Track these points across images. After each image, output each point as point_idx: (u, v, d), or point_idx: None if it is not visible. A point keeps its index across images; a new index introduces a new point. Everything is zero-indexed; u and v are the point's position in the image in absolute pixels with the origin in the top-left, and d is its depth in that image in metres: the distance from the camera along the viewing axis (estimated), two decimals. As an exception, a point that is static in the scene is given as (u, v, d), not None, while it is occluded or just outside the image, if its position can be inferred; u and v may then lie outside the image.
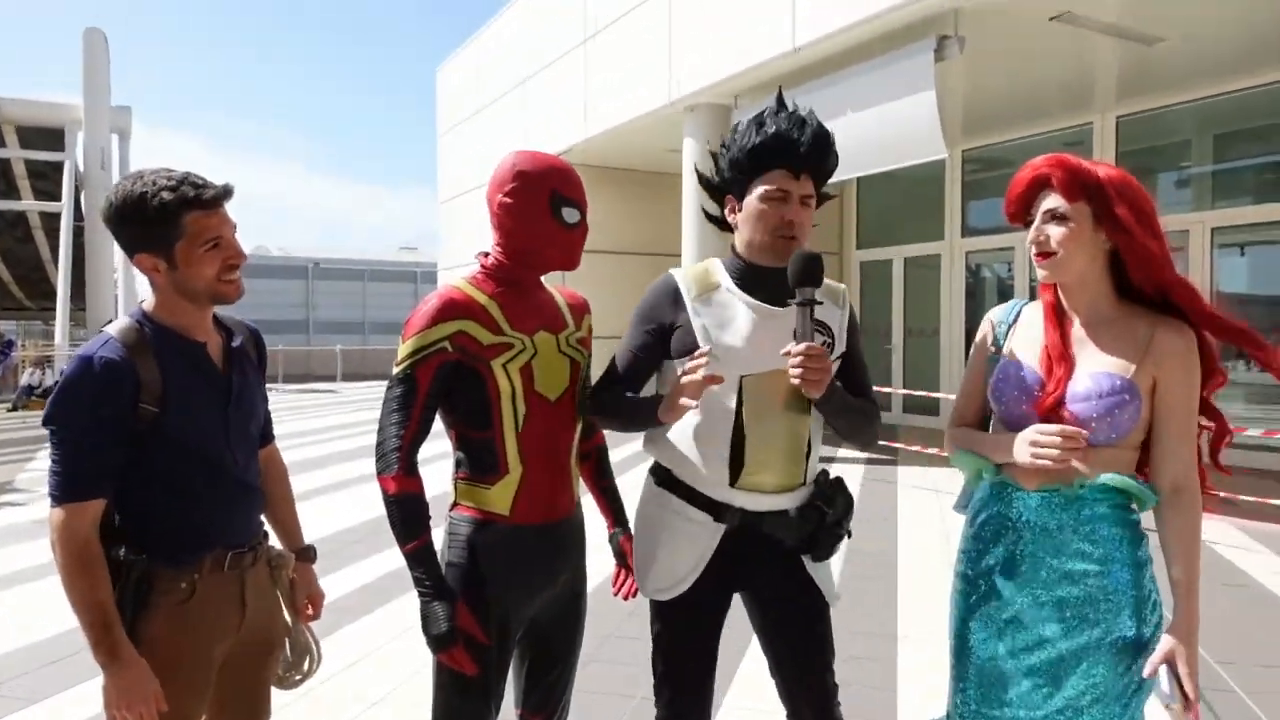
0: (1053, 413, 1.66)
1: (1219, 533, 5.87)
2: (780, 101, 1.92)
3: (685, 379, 1.70)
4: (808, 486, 1.92)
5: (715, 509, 1.87)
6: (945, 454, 1.92)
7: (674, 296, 1.90)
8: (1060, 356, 1.68)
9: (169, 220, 1.61)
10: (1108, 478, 1.63)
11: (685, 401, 1.71)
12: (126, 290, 22.91)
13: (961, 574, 1.83)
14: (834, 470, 2.00)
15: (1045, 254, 1.68)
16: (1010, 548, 1.73)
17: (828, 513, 1.87)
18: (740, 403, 1.84)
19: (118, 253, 20.85)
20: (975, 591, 1.78)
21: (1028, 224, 1.73)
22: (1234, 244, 8.91)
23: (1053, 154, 1.71)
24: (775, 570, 1.91)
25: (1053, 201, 1.67)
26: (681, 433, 1.89)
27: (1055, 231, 1.67)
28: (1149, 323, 1.66)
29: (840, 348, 1.93)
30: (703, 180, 2.02)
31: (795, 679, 1.92)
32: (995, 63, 7.94)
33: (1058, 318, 1.74)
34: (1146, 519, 1.70)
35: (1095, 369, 1.65)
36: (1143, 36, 7.14)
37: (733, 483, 1.85)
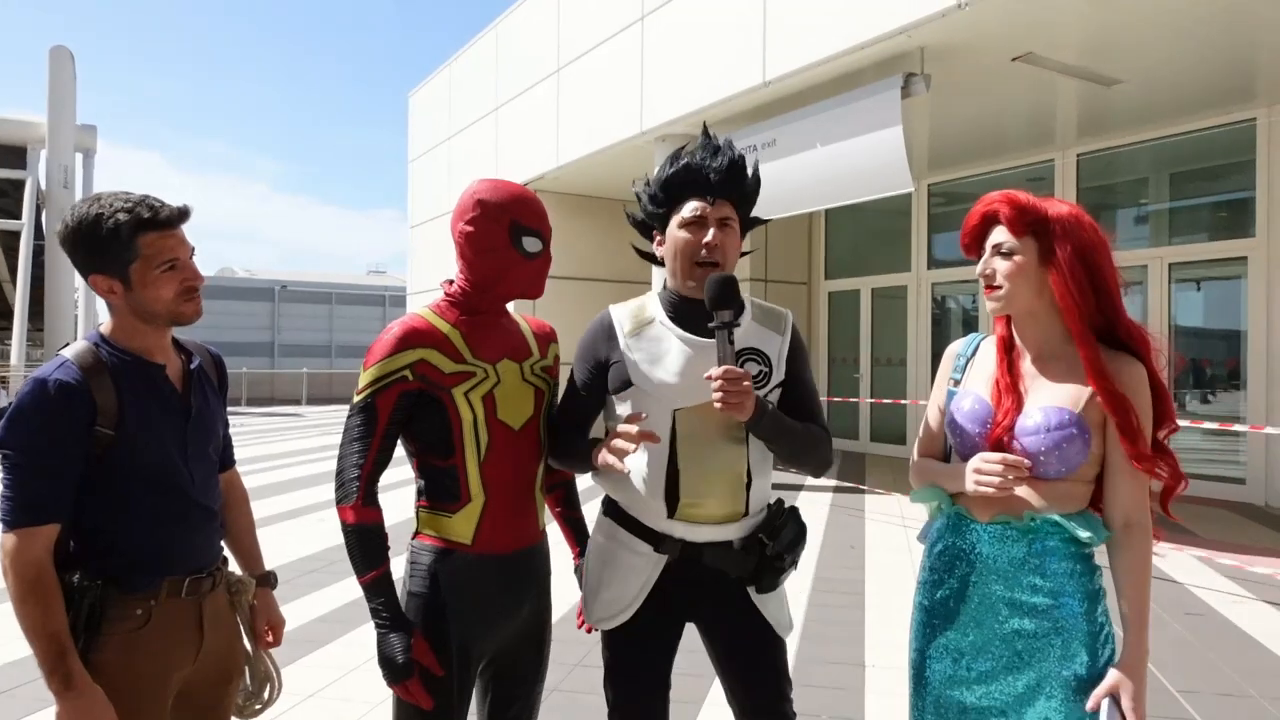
0: (1002, 444, 1.68)
1: (1177, 562, 5.96)
2: (705, 134, 1.99)
3: (615, 442, 1.73)
4: (753, 516, 1.91)
5: (655, 539, 1.88)
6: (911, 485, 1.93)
7: (609, 333, 1.93)
8: (1008, 388, 1.71)
9: (123, 242, 1.60)
10: (1056, 518, 1.65)
11: (610, 460, 1.73)
12: (87, 311, 22.50)
13: (919, 604, 1.84)
14: (800, 499, 2.02)
15: (991, 287, 1.73)
16: (964, 579, 1.74)
17: (768, 545, 1.86)
18: (675, 436, 1.84)
19: (78, 274, 20.49)
20: (932, 622, 1.79)
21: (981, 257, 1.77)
22: (1190, 279, 9.14)
23: (1006, 190, 1.74)
24: (722, 601, 1.91)
25: (1000, 236, 1.72)
26: (616, 474, 1.88)
27: (1000, 265, 1.71)
28: (1105, 357, 1.67)
29: (779, 375, 1.93)
30: (631, 220, 2.06)
31: (747, 708, 1.92)
32: (960, 100, 8.12)
33: (1008, 350, 1.77)
34: (1100, 551, 1.71)
35: (1045, 402, 1.67)
36: (1102, 78, 7.35)
37: (670, 514, 1.86)
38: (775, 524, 1.89)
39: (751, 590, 1.90)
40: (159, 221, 1.63)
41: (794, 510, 1.94)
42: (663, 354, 1.87)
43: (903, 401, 10.80)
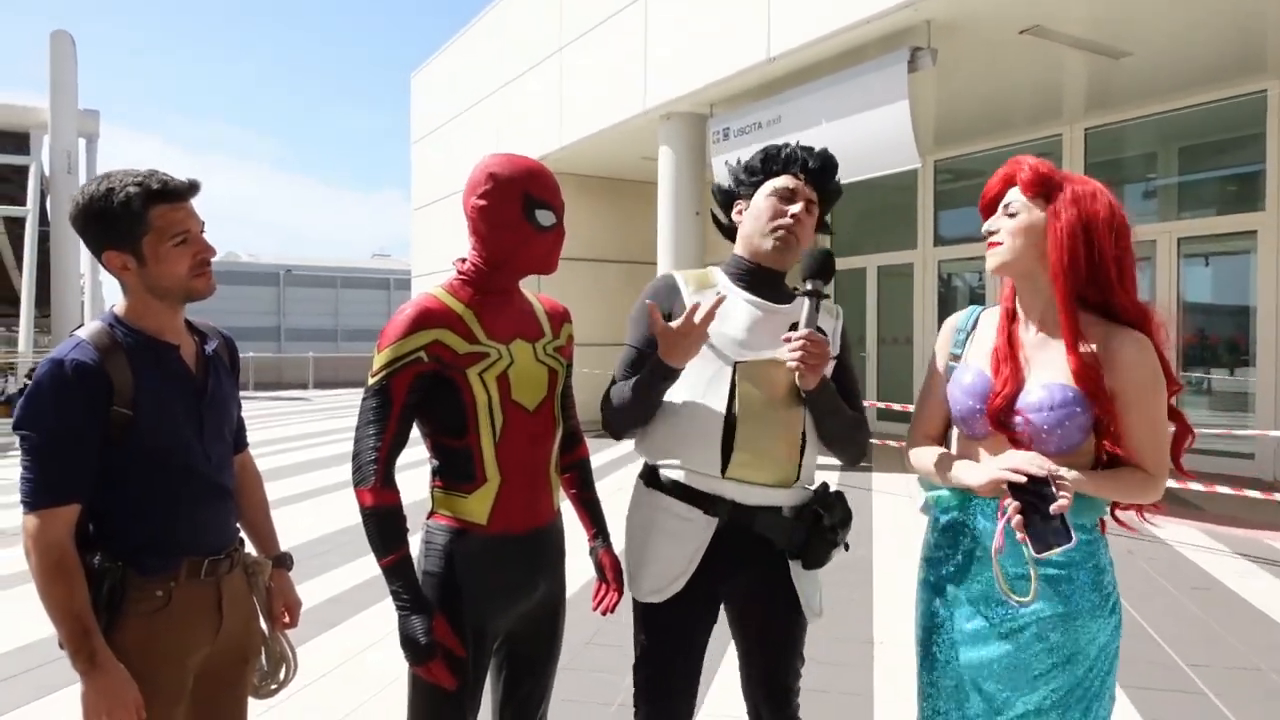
0: (1001, 414, 1.67)
1: (1184, 536, 5.97)
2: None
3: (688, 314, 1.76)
4: (803, 489, 1.94)
5: (705, 502, 1.88)
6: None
7: (672, 289, 1.97)
8: (1007, 357, 1.70)
9: (135, 215, 1.60)
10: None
11: (682, 326, 1.75)
12: (93, 297, 22.52)
13: (924, 580, 1.83)
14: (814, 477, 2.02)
15: (992, 243, 1.74)
16: (969, 554, 1.74)
17: (824, 515, 1.89)
18: (734, 389, 1.87)
19: (84, 259, 20.50)
20: (937, 597, 1.79)
21: None
22: (1199, 254, 9.09)
23: (1024, 155, 1.76)
24: (762, 575, 1.92)
25: (1011, 196, 1.73)
26: (673, 423, 1.91)
27: (1006, 223, 1.72)
28: (1104, 332, 1.66)
29: (834, 353, 1.97)
30: (716, 189, 2.11)
31: (760, 678, 1.96)
32: (967, 74, 8.04)
33: (1010, 321, 1.76)
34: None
35: (1049, 379, 1.66)
36: (1110, 50, 7.27)
37: (723, 471, 1.86)
38: (828, 499, 1.93)
39: (794, 565, 1.92)
40: (169, 193, 1.64)
41: (841, 493, 1.97)
42: (728, 312, 1.91)
43: (908, 408, 10.75)
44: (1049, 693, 1.63)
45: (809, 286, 1.84)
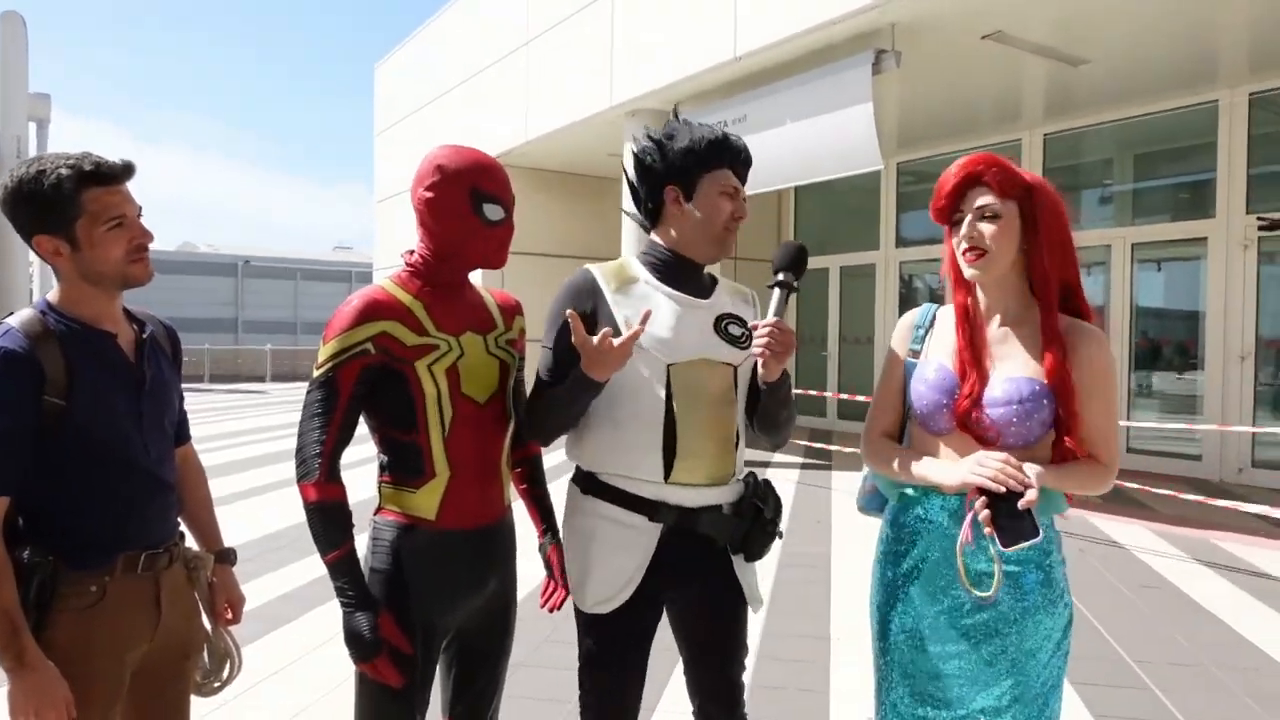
0: (969, 414, 1.67)
1: (1133, 536, 6.09)
2: (679, 118, 2.03)
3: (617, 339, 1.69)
4: (737, 484, 1.93)
5: (649, 508, 1.84)
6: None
7: (592, 288, 1.88)
8: (972, 360, 1.70)
9: (66, 198, 1.55)
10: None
11: (620, 339, 1.68)
12: (43, 289, 21.94)
13: (880, 576, 1.83)
14: (769, 474, 2.01)
15: (979, 252, 1.67)
16: (927, 550, 1.74)
17: (763, 509, 1.88)
18: (670, 392, 1.83)
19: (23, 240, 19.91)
20: (894, 592, 1.79)
21: (954, 223, 1.72)
22: (1152, 259, 9.28)
23: (983, 153, 1.71)
24: (706, 571, 1.91)
25: (986, 199, 1.67)
26: (610, 431, 1.86)
27: (988, 229, 1.66)
28: (1066, 326, 1.68)
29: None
30: (642, 165, 1.96)
31: (706, 674, 1.95)
32: (930, 78, 8.13)
33: (970, 320, 1.75)
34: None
35: (1013, 372, 1.67)
36: (1069, 58, 7.40)
37: (666, 476, 1.83)
38: (763, 491, 1.92)
39: (736, 560, 1.91)
40: (103, 175, 1.58)
41: (769, 482, 1.97)
42: (652, 311, 1.84)
43: (863, 398, 10.87)
44: (1007, 688, 1.65)
45: (781, 278, 1.81)
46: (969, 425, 1.67)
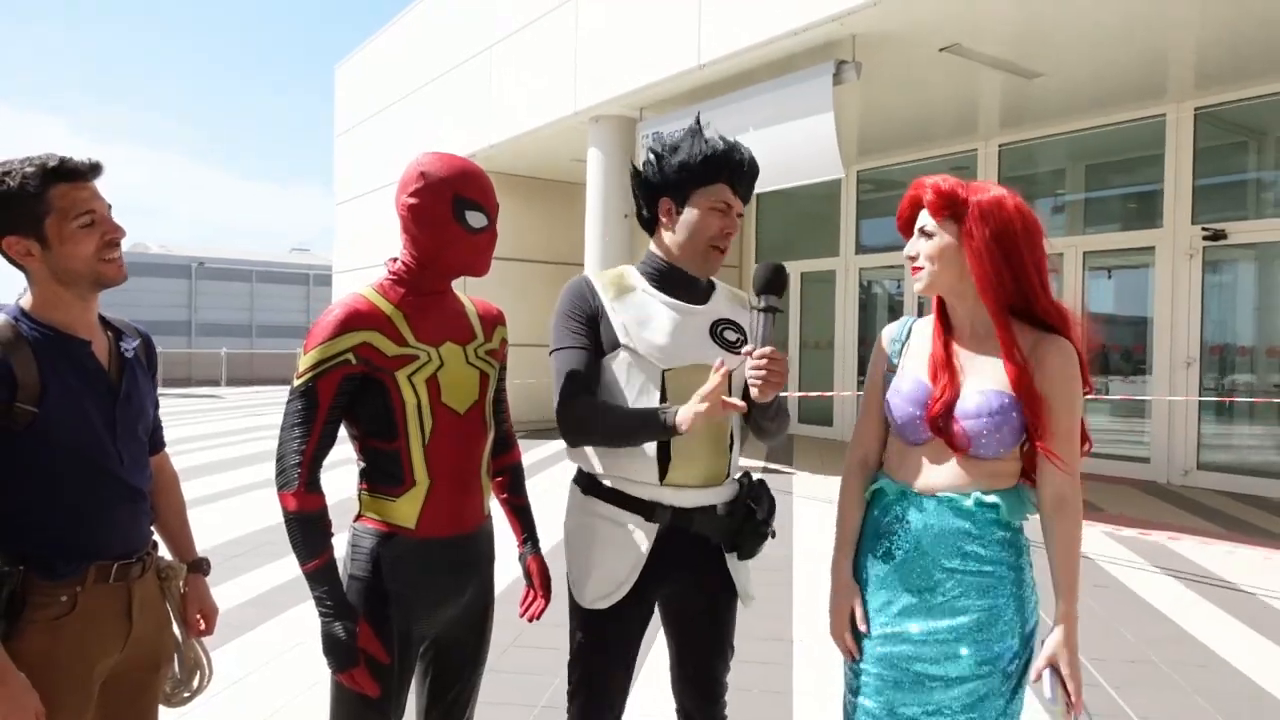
0: (940, 420, 1.72)
1: (1085, 537, 6.25)
2: (699, 125, 2.01)
3: (710, 390, 1.73)
4: (731, 484, 1.98)
5: (645, 509, 1.90)
6: (841, 465, 1.97)
7: (591, 292, 1.95)
8: (944, 365, 1.75)
9: (33, 195, 1.53)
10: (995, 499, 1.71)
11: (708, 409, 1.73)
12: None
13: (861, 568, 1.86)
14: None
15: (915, 268, 1.79)
16: (900, 549, 1.77)
17: (756, 509, 1.93)
18: (665, 398, 1.88)
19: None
20: (866, 592, 1.82)
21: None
22: (1102, 267, 9.55)
23: (935, 175, 1.79)
24: (700, 570, 1.96)
25: (923, 219, 1.77)
26: None
27: (923, 247, 1.76)
28: (1032, 339, 1.73)
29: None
30: (639, 177, 2.02)
31: (694, 673, 2.01)
32: (889, 89, 8.27)
33: (943, 329, 1.81)
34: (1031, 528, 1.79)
35: (984, 385, 1.71)
36: (1024, 71, 7.59)
37: (661, 479, 1.89)
38: (756, 492, 1.97)
39: (730, 558, 1.97)
40: (69, 172, 1.57)
41: (764, 481, 2.02)
42: (649, 317, 1.91)
43: (830, 393, 11.00)
44: (974, 687, 1.69)
45: (764, 303, 1.80)
46: (944, 434, 1.72)
